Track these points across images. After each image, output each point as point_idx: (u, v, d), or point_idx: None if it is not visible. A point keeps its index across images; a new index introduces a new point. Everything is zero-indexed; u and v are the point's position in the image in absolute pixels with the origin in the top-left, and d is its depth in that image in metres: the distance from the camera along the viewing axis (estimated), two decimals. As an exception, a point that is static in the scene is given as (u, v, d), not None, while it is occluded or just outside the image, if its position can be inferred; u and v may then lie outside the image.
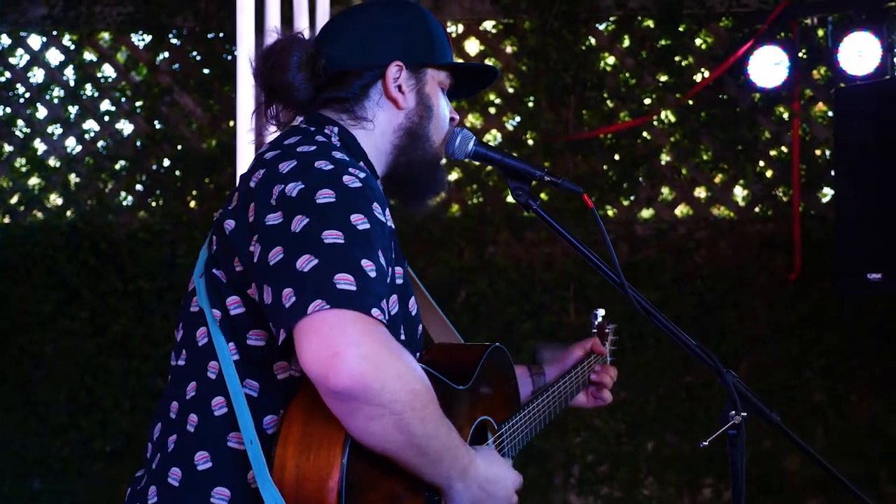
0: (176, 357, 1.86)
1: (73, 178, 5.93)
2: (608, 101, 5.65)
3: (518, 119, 5.73)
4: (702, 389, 5.47)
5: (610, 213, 5.67)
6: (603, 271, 2.04)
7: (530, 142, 5.69)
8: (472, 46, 5.88)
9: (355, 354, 1.53)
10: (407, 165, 1.99)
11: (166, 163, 5.86)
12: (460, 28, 5.84)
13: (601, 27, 5.72)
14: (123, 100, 5.94)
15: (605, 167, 5.65)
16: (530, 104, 5.67)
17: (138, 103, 5.90)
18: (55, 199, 5.98)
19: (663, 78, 5.65)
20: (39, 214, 5.94)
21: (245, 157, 3.87)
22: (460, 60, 2.15)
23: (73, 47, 5.97)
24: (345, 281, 1.57)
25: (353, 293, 1.57)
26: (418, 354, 1.94)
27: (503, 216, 5.65)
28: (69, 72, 5.98)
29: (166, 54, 5.90)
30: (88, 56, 5.99)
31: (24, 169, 6.00)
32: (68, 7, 5.82)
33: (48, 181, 5.96)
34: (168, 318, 5.55)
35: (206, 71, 5.82)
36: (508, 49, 5.76)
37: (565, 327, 5.59)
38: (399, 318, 1.82)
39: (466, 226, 5.67)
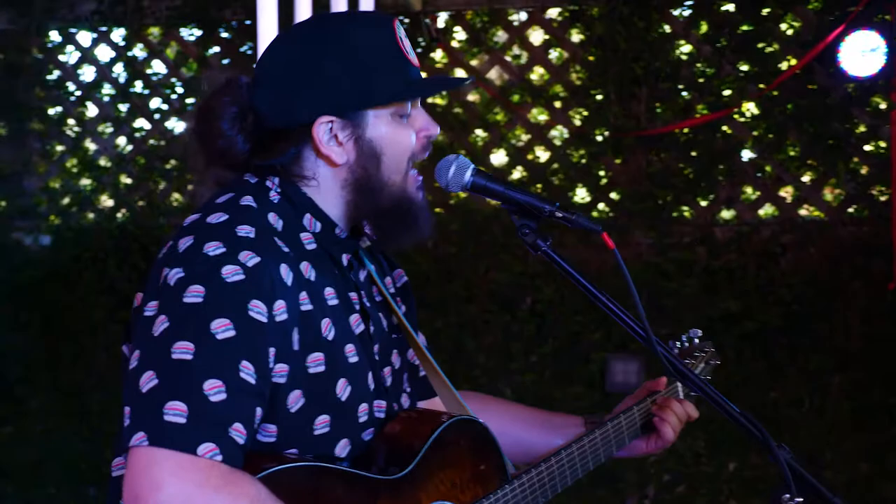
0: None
1: (124, 179, 5.75)
2: (684, 93, 5.20)
3: (585, 114, 5.31)
4: (789, 406, 5.03)
5: (686, 214, 5.23)
6: (627, 324, 1.75)
7: (599, 138, 5.28)
8: (536, 36, 5.49)
9: (154, 500, 1.40)
10: (370, 216, 1.75)
11: (218, 163, 5.60)
12: (523, 16, 5.46)
13: (676, 13, 5.26)
14: (174, 97, 5.72)
15: (680, 165, 5.20)
16: (598, 97, 5.26)
17: (189, 100, 5.67)
18: (106, 201, 5.81)
19: (745, 67, 5.15)
20: (91, 216, 5.79)
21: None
22: (420, 74, 1.78)
23: (122, 43, 5.77)
24: (174, 411, 1.43)
25: (180, 427, 1.42)
26: (371, 430, 1.72)
27: (570, 218, 5.26)
28: (119, 69, 5.78)
29: (216, 49, 5.65)
30: (138, 52, 5.78)
31: (75, 169, 5.84)
32: (117, 2, 5.62)
33: (99, 181, 5.79)
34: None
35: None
36: (575, 38, 5.35)
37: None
38: (311, 412, 1.63)
39: (531, 228, 5.30)
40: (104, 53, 5.82)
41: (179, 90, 5.70)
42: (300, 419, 1.60)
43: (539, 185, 5.34)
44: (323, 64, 1.67)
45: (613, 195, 5.32)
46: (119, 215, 5.71)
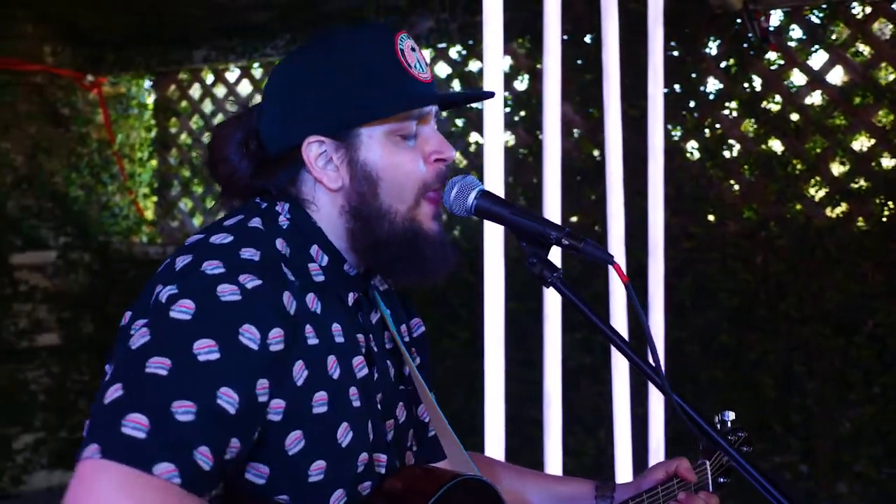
0: None
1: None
2: None
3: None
4: None
5: None
6: (642, 369, 1.52)
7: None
8: (883, 30, 4.91)
9: None
10: (375, 249, 1.58)
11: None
12: (868, 8, 4.88)
13: None
14: (507, 110, 5.74)
15: None
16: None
17: (521, 113, 5.67)
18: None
19: None
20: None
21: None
22: (428, 88, 1.63)
23: (459, 59, 5.90)
24: (135, 424, 1.27)
25: (138, 442, 1.26)
26: (369, 484, 1.58)
27: (919, 232, 4.65)
28: (456, 85, 5.90)
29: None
30: (473, 67, 5.88)
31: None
32: (453, 18, 5.74)
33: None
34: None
35: (587, 76, 5.42)
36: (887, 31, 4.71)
37: None
38: (309, 456, 1.48)
39: (872, 244, 4.74)
40: (441, 70, 5.99)
41: (511, 103, 5.72)
42: (296, 463, 1.47)
43: (882, 197, 4.77)
44: (310, 83, 1.57)
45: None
46: (456, 232, 5.81)
